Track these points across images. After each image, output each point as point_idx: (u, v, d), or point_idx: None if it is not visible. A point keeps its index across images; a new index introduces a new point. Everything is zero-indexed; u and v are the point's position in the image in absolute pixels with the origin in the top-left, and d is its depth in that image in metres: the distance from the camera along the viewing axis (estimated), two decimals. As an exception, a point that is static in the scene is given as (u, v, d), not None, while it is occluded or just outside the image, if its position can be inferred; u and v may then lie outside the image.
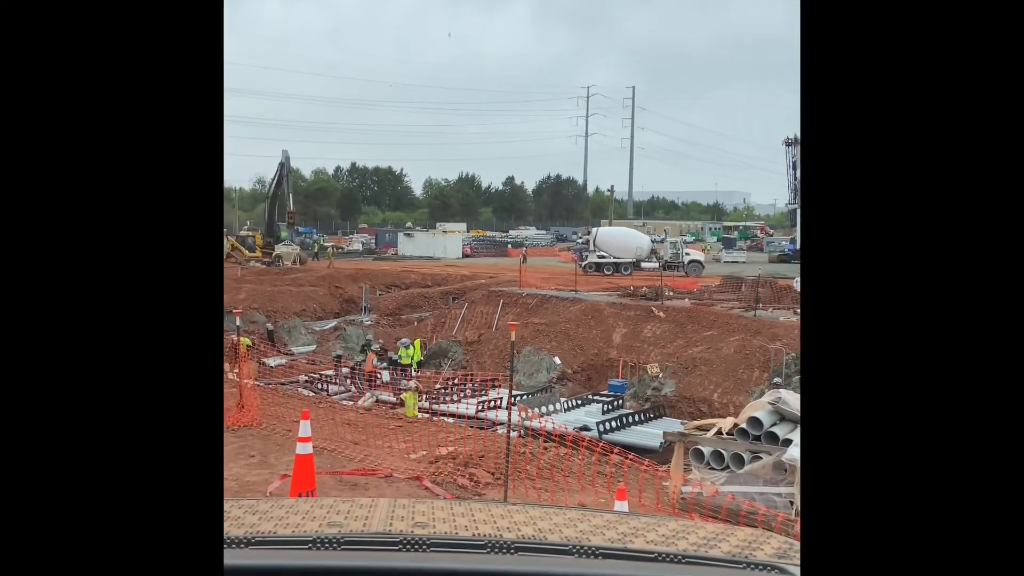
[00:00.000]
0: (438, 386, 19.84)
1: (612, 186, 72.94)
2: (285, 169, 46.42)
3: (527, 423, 12.80)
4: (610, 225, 54.22)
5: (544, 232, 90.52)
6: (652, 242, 45.06)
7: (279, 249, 46.16)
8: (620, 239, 43.52)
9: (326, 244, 54.07)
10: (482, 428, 13.16)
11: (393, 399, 17.95)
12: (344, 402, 16.81)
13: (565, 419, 16.80)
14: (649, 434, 16.02)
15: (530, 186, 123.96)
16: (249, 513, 1.75)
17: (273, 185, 48.41)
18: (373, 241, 68.74)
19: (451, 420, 14.82)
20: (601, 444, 11.24)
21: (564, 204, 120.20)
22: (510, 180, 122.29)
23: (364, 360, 21.92)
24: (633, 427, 16.91)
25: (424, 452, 10.58)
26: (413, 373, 20.65)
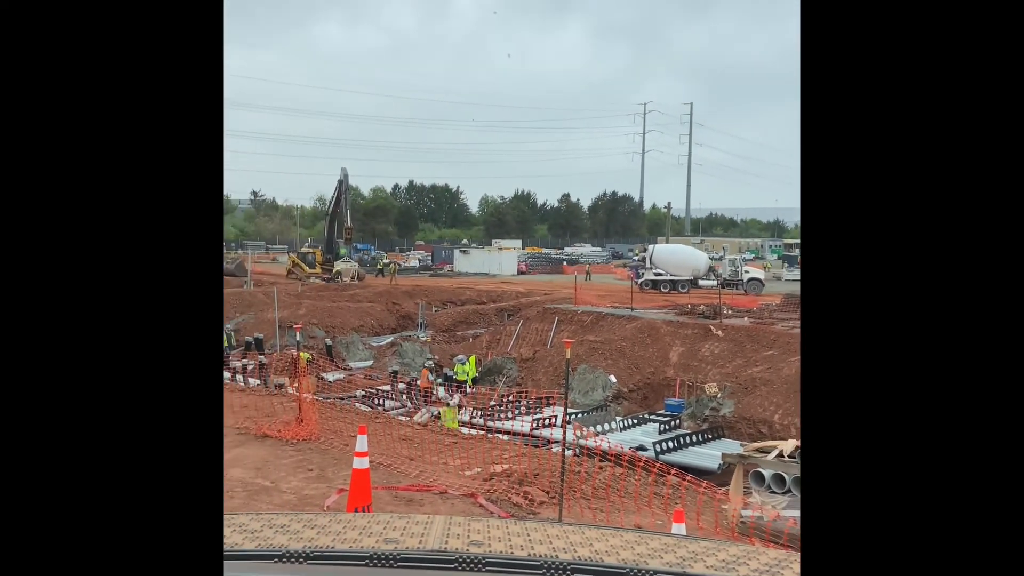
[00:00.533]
0: (492, 403, 19.85)
1: (669, 203, 72.37)
2: (343, 187, 47.28)
3: (582, 442, 12.70)
4: (667, 242, 53.75)
5: (599, 249, 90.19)
6: (710, 259, 44.48)
7: (338, 265, 46.97)
8: (677, 256, 43.06)
9: (388, 261, 54.91)
10: (536, 446, 13.10)
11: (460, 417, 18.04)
12: (400, 417, 16.96)
13: (621, 438, 16.62)
14: (707, 455, 15.72)
15: (586, 203, 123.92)
16: (308, 527, 1.77)
17: (332, 203, 49.35)
18: (429, 258, 69.46)
19: (505, 437, 14.79)
20: (658, 464, 11.07)
21: (620, 221, 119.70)
22: (566, 197, 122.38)
23: (420, 375, 22.10)
24: (691, 448, 16.63)
25: (479, 469, 10.58)
26: (468, 389, 20.73)
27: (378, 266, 54.58)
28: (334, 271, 46.45)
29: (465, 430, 15.38)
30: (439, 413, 17.41)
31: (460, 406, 18.25)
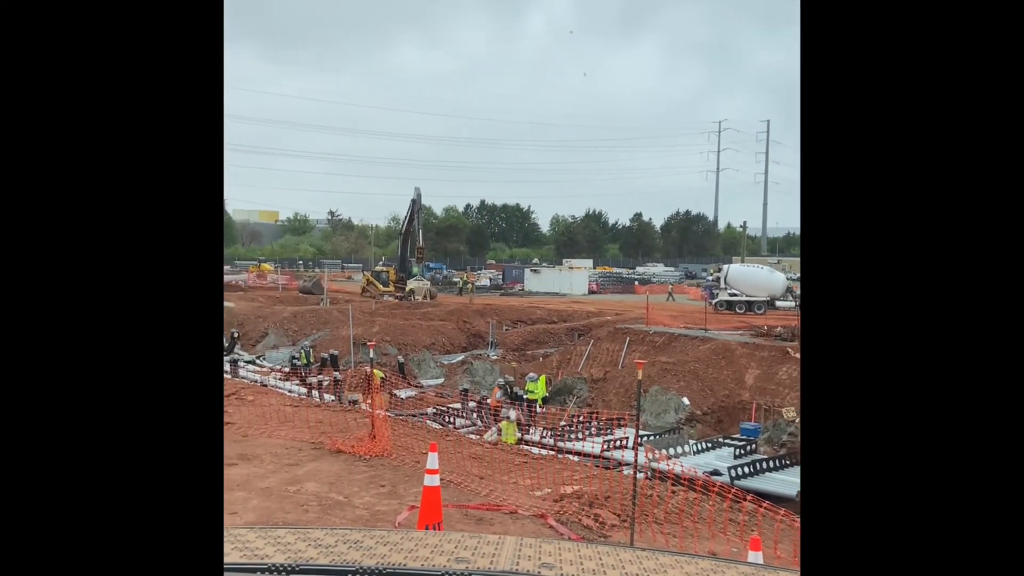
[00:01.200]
0: (563, 423, 19.73)
1: (744, 222, 70.92)
2: (416, 206, 48.03)
3: (654, 464, 12.48)
4: (742, 262, 52.64)
5: (672, 269, 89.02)
6: (787, 280, 43.33)
7: (410, 284, 47.70)
8: (753, 277, 42.14)
9: (467, 281, 55.84)
10: (607, 468, 12.94)
11: (519, 434, 18.02)
12: (470, 435, 17.02)
13: (694, 462, 16.27)
14: (785, 481, 15.24)
15: (658, 222, 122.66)
16: (381, 544, 1.78)
17: (406, 222, 50.17)
18: (500, 277, 69.85)
19: (576, 458, 14.67)
20: (733, 490, 10.79)
21: (693, 240, 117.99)
22: (637, 216, 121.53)
23: (490, 394, 22.16)
24: (767, 473, 16.15)
25: (549, 490, 10.50)
26: (539, 408, 20.66)
27: (458, 285, 55.39)
28: (407, 289, 47.18)
29: (535, 450, 15.32)
30: (499, 428, 17.45)
31: (519, 422, 18.22)
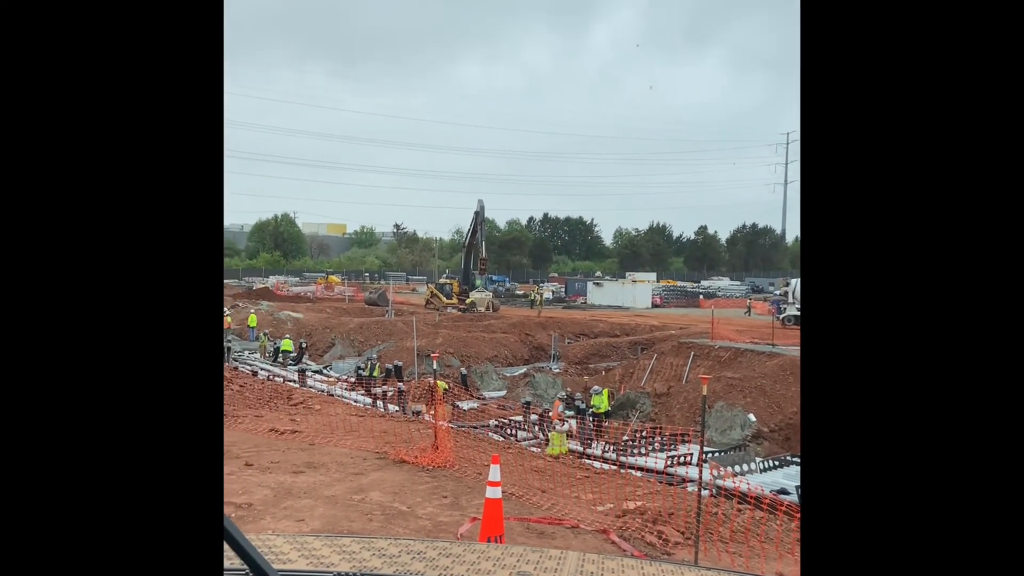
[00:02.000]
0: (625, 438, 19.51)
1: (813, 235, 68.78)
2: (479, 218, 48.31)
3: (719, 482, 12.23)
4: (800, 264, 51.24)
5: (738, 283, 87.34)
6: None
7: (473, 296, 47.98)
8: (822, 291, 40.94)
9: (537, 294, 56.30)
10: (671, 484, 12.74)
11: (580, 448, 17.89)
12: (532, 448, 16.99)
13: (761, 480, 15.87)
14: (856, 503, 14.71)
15: (724, 235, 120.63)
16: (443, 555, 1.80)
17: (469, 235, 50.53)
18: (563, 290, 69.68)
19: (639, 474, 14.48)
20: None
21: (760, 254, 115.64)
22: (703, 229, 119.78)
23: (551, 407, 22.09)
24: (837, 494, 15.64)
25: (611, 505, 10.40)
26: (604, 423, 20.49)
27: (530, 298, 55.77)
28: (468, 301, 47.46)
29: (597, 464, 15.19)
30: (548, 439, 17.38)
31: (570, 434, 18.10)
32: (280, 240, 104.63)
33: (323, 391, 24.04)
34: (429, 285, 54.73)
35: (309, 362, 31.65)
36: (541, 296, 53.69)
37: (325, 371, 30.24)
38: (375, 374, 25.26)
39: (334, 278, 75.14)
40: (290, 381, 25.16)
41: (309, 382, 25.96)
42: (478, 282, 50.55)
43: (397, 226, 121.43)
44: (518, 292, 66.93)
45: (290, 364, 30.52)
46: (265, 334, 34.57)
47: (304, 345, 33.43)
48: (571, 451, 17.53)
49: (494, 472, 7.70)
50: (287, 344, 31.99)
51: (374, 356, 27.98)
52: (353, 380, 26.50)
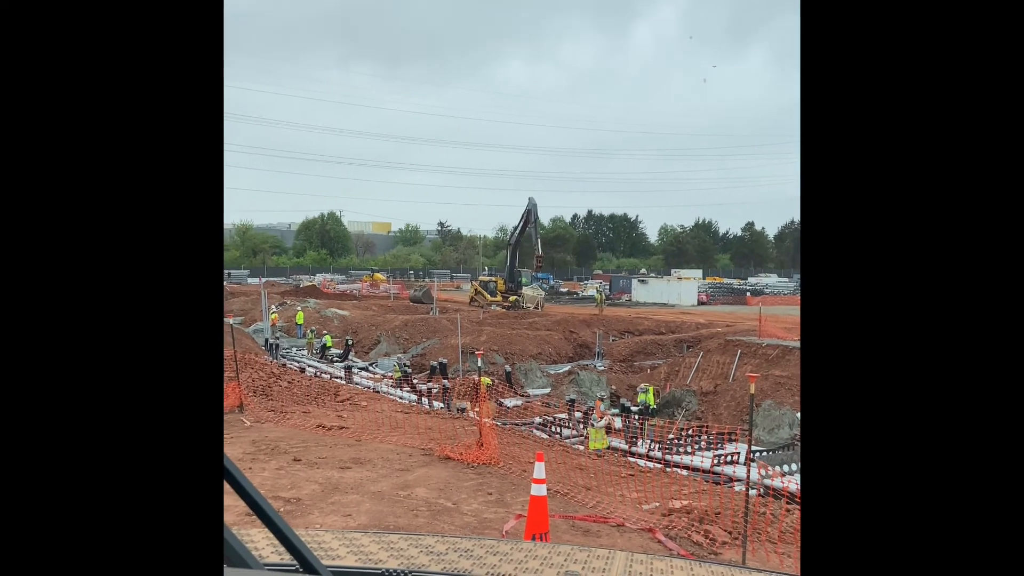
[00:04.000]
0: (671, 436, 19.35)
1: (864, 230, 67.18)
2: (532, 215, 48.13)
3: (767, 481, 12.05)
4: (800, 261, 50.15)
5: (786, 280, 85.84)
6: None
7: (526, 292, 48.00)
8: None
9: (599, 291, 56.69)
10: (717, 483, 12.59)
11: (625, 446, 17.80)
12: (576, 446, 16.95)
13: (810, 480, 15.57)
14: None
15: (771, 231, 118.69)
16: (490, 554, 1.80)
17: (517, 233, 50.46)
18: (608, 287, 69.35)
19: (685, 472, 14.35)
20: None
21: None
22: (750, 226, 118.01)
23: (595, 406, 22.03)
24: (890, 495, 15.28)
25: (657, 504, 10.32)
26: (642, 418, 20.35)
27: (594, 296, 56.12)
28: (512, 299, 47.50)
29: (642, 463, 15.09)
30: (585, 434, 17.40)
31: (610, 429, 18.06)
32: (326, 238, 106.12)
33: (369, 387, 24.33)
34: (473, 282, 54.84)
35: (355, 359, 32.05)
36: (602, 295, 53.88)
37: (371, 368, 30.59)
38: (396, 375, 25.38)
39: (379, 276, 75.96)
40: (337, 378, 25.51)
41: (355, 379, 26.29)
42: (524, 279, 50.55)
43: (441, 224, 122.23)
44: (562, 290, 66.81)
45: (336, 360, 30.94)
46: (312, 331, 35.11)
47: (350, 342, 33.85)
48: (614, 448, 17.45)
49: (539, 469, 7.70)
50: (328, 340, 32.48)
51: (404, 360, 28.03)
52: (398, 377, 26.77)
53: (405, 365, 27.19)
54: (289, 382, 20.18)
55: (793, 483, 11.95)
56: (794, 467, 16.86)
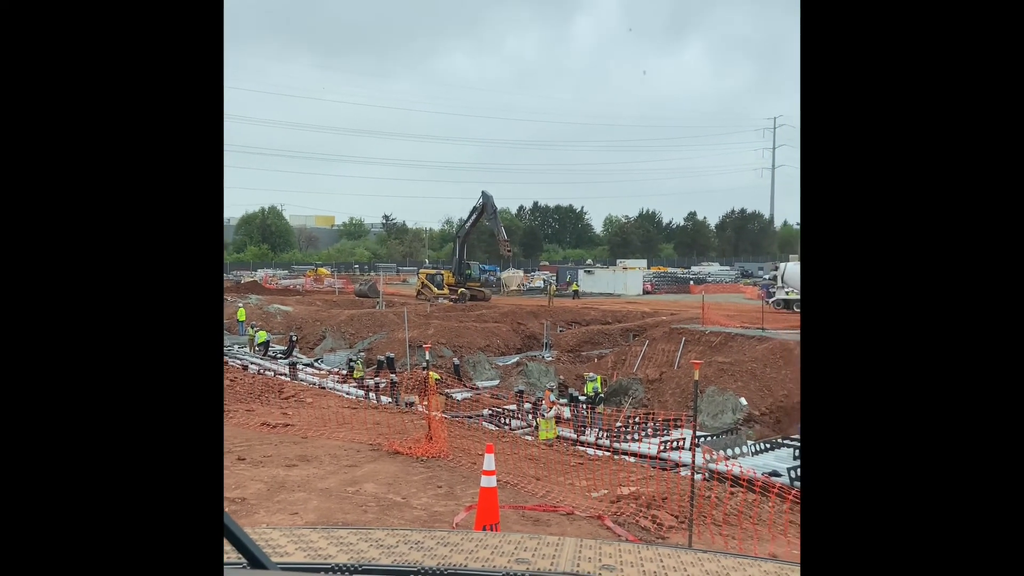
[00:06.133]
0: (618, 424, 19.60)
1: (802, 219, 68.85)
2: (490, 208, 48.11)
3: (712, 466, 12.31)
4: (799, 260, 51.47)
5: (728, 268, 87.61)
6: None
7: (505, 274, 47.92)
8: (811, 274, 41.14)
9: (548, 283, 57.26)
10: (664, 469, 12.81)
11: (573, 435, 17.97)
12: (526, 437, 17.04)
13: (753, 463, 15.99)
14: (847, 484, 14.84)
15: (713, 221, 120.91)
16: (441, 544, 1.80)
17: (468, 225, 50.38)
18: (554, 278, 69.75)
19: (632, 459, 14.56)
20: (793, 492, 10.57)
21: (749, 239, 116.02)
22: (692, 215, 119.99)
23: (544, 396, 22.15)
24: (829, 475, 15.75)
25: (605, 491, 10.46)
26: (591, 407, 20.58)
27: (542, 288, 56.62)
28: (505, 280, 47.49)
29: (591, 451, 15.26)
30: (536, 424, 17.59)
31: (559, 419, 18.29)
32: (268, 233, 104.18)
33: (314, 384, 24.02)
34: (420, 274, 54.57)
35: (300, 355, 31.59)
36: (551, 286, 54.48)
37: (316, 364, 30.20)
38: (357, 374, 25.12)
39: (323, 270, 75.00)
40: (281, 375, 25.11)
41: (300, 375, 25.92)
42: (469, 272, 50.45)
43: (386, 217, 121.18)
44: (546, 283, 67.10)
45: (279, 357, 30.45)
46: (253, 327, 34.49)
47: (294, 338, 33.35)
48: (563, 438, 17.60)
49: (488, 461, 7.72)
50: (262, 335, 31.93)
51: (357, 356, 27.79)
52: (344, 372, 26.48)
53: (354, 361, 26.92)
54: (232, 380, 19.79)
55: (737, 466, 12.22)
56: (738, 451, 17.26)
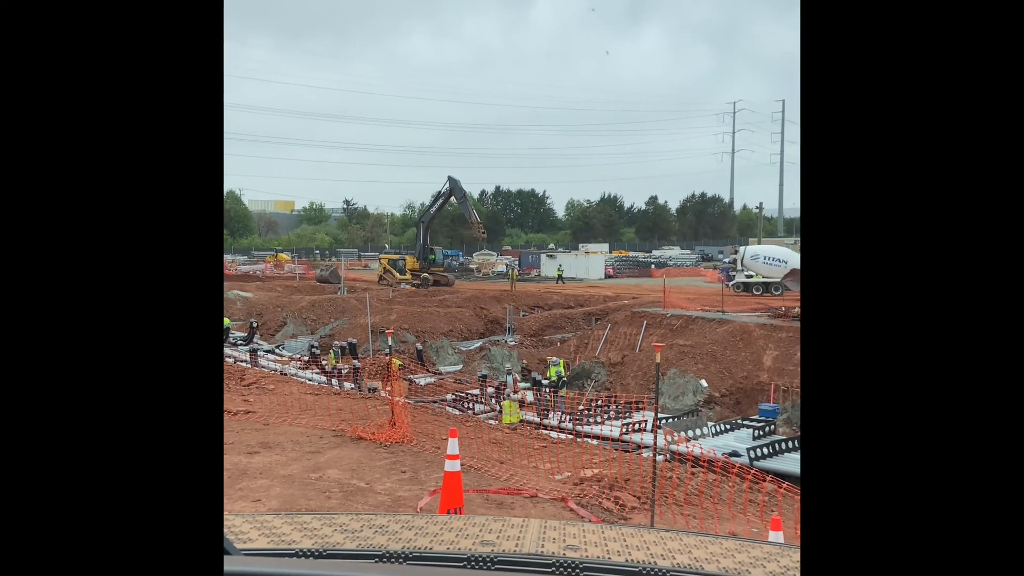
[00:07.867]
0: (581, 407, 19.77)
1: (761, 203, 70.09)
2: (459, 192, 48.00)
3: (673, 447, 12.49)
4: (759, 243, 52.24)
5: (688, 252, 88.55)
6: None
7: (478, 258, 47.68)
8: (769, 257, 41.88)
9: (512, 268, 57.40)
10: (627, 451, 12.96)
11: (537, 419, 18.08)
12: (489, 421, 17.10)
13: (713, 444, 16.26)
14: (804, 462, 15.18)
15: (674, 205, 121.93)
16: (406, 528, 1.81)
17: (434, 210, 50.15)
18: (517, 263, 69.84)
19: (595, 442, 14.71)
20: (752, 471, 10.78)
21: (709, 223, 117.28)
22: (653, 200, 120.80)
23: (508, 380, 22.24)
24: (787, 454, 16.12)
25: (568, 473, 10.55)
26: (554, 391, 20.73)
27: (507, 273, 56.61)
28: (480, 263, 47.33)
29: (554, 434, 15.37)
30: (500, 407, 17.73)
31: (523, 403, 18.46)
32: (226, 218, 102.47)
33: (276, 370, 23.77)
34: (382, 259, 54.17)
35: (260, 342, 31.22)
36: (514, 271, 54.57)
37: (277, 350, 29.88)
38: (333, 362, 24.81)
39: (283, 256, 74.06)
40: (242, 362, 24.80)
41: (261, 362, 25.63)
42: (432, 256, 50.26)
43: (347, 202, 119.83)
44: (472, 266, 66.88)
45: (240, 344, 30.06)
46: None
47: (255, 325, 32.94)
48: (527, 421, 17.70)
49: (452, 445, 7.74)
50: (223, 322, 31.48)
51: (338, 346, 27.56)
52: (307, 359, 26.23)
53: (314, 346, 26.69)
54: (191, 367, 19.45)
55: (698, 447, 12.42)
56: (698, 432, 17.54)
